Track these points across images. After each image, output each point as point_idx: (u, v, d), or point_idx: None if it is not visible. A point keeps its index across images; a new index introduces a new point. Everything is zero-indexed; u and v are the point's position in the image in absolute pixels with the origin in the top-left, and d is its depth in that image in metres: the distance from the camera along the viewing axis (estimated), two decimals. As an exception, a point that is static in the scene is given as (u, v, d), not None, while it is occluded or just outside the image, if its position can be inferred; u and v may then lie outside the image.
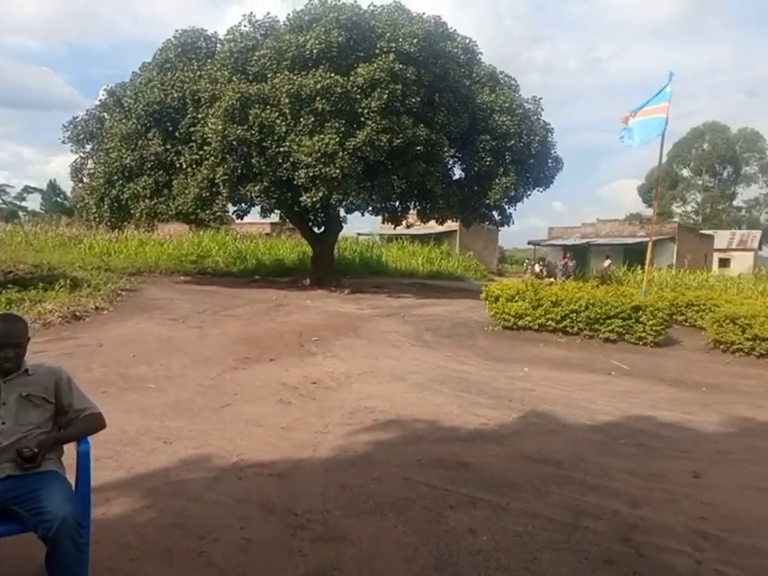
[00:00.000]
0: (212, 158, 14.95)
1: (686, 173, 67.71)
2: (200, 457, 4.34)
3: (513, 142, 16.82)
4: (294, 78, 14.34)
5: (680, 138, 66.13)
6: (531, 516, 3.44)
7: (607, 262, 29.03)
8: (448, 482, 3.92)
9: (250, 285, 18.73)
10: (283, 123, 14.44)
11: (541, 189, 19.15)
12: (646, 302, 9.89)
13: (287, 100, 14.25)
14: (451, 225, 26.86)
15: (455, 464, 4.24)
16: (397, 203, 19.31)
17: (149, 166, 16.41)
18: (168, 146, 16.13)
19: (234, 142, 14.50)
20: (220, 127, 14.31)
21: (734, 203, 67.11)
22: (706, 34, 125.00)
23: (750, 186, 66.49)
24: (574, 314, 10.16)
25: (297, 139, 14.38)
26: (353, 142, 14.16)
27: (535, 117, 17.93)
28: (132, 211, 16.97)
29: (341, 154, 14.04)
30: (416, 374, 7.32)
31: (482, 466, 4.21)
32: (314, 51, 14.34)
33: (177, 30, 17.52)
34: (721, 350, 9.42)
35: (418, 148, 15.89)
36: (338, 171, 14.07)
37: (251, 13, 16.77)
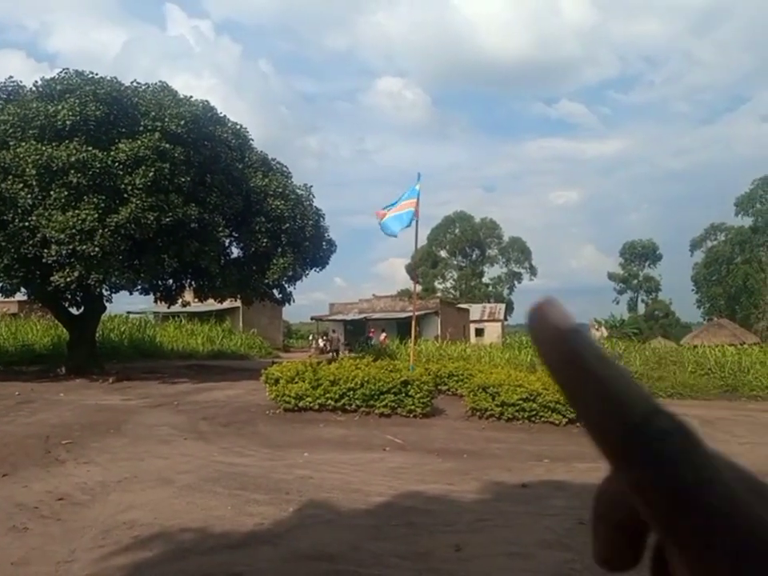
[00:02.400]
0: (-65, 232, 12.64)
1: (443, 254, 77.05)
2: None
3: (288, 225, 17.39)
4: (43, 148, 13.08)
5: (437, 223, 75.73)
6: (304, 626, 3.28)
7: (383, 336, 31.01)
8: (216, 601, 3.57)
9: (-14, 379, 15.75)
10: (29, 196, 12.96)
11: (318, 269, 19.97)
12: (413, 376, 10.67)
13: (34, 171, 12.88)
14: (233, 302, 26.29)
15: (225, 577, 3.90)
16: (170, 281, 18.36)
17: None
18: None
19: (-34, 215, 12.50)
20: (-54, 197, 12.26)
21: (483, 280, 77.93)
22: (449, 137, 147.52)
23: (493, 266, 78.23)
24: (351, 392, 10.49)
25: (47, 213, 12.97)
26: (115, 219, 13.25)
27: (308, 202, 18.89)
28: None
29: (101, 231, 13.00)
30: (187, 473, 6.72)
31: (254, 575, 3.94)
32: (68, 122, 13.34)
33: None
34: (477, 416, 10.48)
35: (193, 225, 15.48)
36: (97, 249, 12.94)
37: (-11, 75, 15.06)
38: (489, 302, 62.36)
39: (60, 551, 4.37)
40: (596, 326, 53.52)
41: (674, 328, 61.66)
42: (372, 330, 32.38)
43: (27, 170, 12.95)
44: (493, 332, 48.52)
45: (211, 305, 26.91)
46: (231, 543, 4.55)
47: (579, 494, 6.09)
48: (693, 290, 64.09)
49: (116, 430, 9.29)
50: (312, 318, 42.84)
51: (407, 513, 5.30)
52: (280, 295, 20.17)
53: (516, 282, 77.68)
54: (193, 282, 18.56)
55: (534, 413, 9.97)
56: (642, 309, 72.00)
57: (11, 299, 20.71)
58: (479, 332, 49.84)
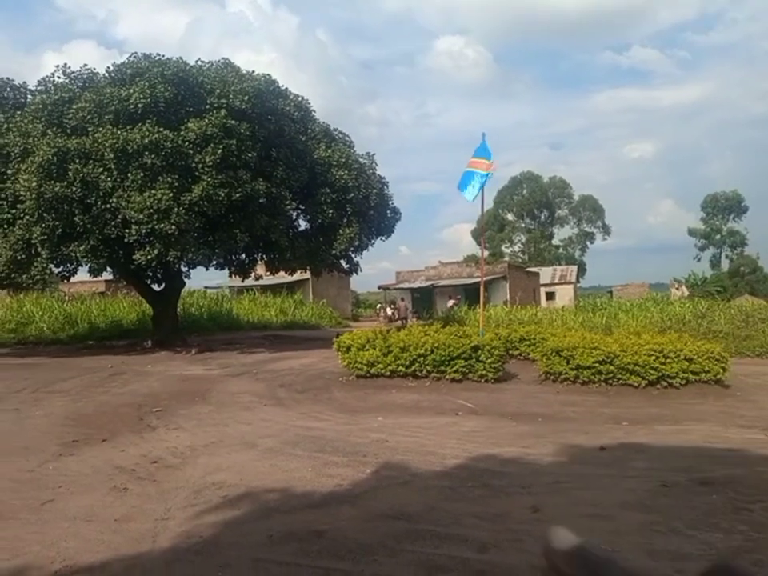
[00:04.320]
0: (27, 217, 13.59)
1: (510, 217, 75.21)
2: (13, 570, 3.70)
3: (352, 194, 17.47)
4: (119, 132, 13.66)
5: (503, 185, 73.73)
6: (386, 580, 3.38)
7: (450, 302, 30.86)
8: (301, 556, 3.74)
9: (82, 352, 17.02)
10: (109, 179, 13.61)
11: (383, 238, 20.02)
12: (484, 341, 10.58)
13: (112, 155, 13.49)
14: (303, 274, 26.92)
15: (308, 534, 4.07)
16: (243, 256, 18.98)
17: (-53, 228, 14.50)
18: (-29, 206, 14.38)
19: (52, 200, 13.30)
20: (34, 184, 13.10)
21: (553, 242, 75.66)
22: (513, 95, 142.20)
23: (563, 227, 75.66)
24: (422, 358, 10.55)
25: (126, 195, 13.62)
26: (188, 197, 13.74)
27: (371, 171, 18.87)
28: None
29: (176, 209, 13.53)
30: (268, 437, 7.02)
31: (336, 533, 4.09)
32: (139, 105, 13.84)
33: (-22, 80, 15.99)
34: (551, 380, 10.31)
35: (261, 201, 15.84)
36: (173, 227, 13.50)
37: (65, 64, 15.82)
38: (559, 265, 60.62)
39: (157, 509, 4.69)
40: (676, 286, 51.02)
41: (762, 284, 57.82)
42: (450, 297, 32.29)
43: (106, 154, 13.61)
44: (564, 295, 47.29)
45: (282, 277, 27.69)
46: (313, 503, 4.74)
47: (661, 456, 5.91)
48: (784, 242, 59.48)
49: (201, 398, 9.81)
50: (379, 287, 43.26)
51: (482, 475, 5.32)
52: (347, 265, 20.44)
53: (588, 243, 75.02)
54: (264, 256, 19.11)
55: (611, 375, 9.68)
56: (726, 265, 67.80)
57: (99, 279, 22.06)
58: (550, 295, 48.70)
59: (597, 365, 9.72)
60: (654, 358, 9.50)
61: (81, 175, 13.55)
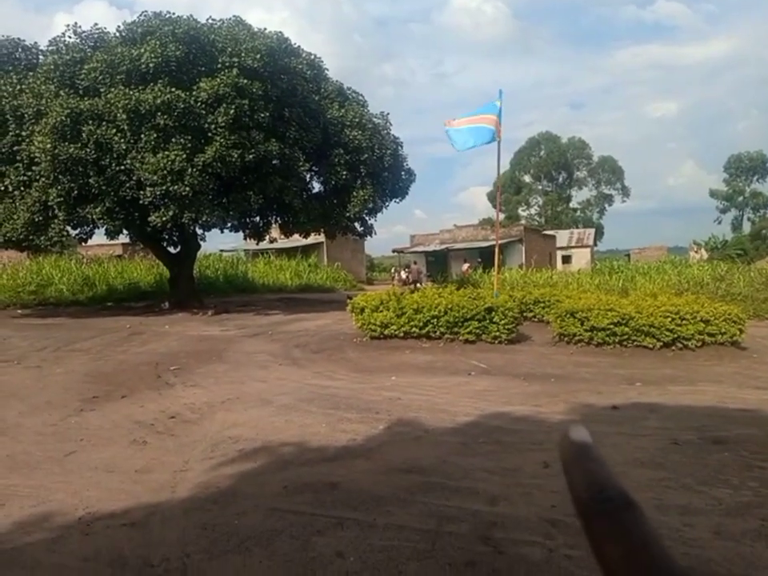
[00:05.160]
0: (42, 179, 13.64)
1: (527, 179, 73.96)
2: (39, 516, 3.85)
3: (366, 155, 17.24)
4: (131, 92, 13.53)
5: (520, 147, 72.31)
6: (397, 529, 3.47)
7: (465, 266, 30.72)
8: (315, 505, 3.84)
9: (101, 313, 17.30)
10: (122, 140, 13.55)
11: (397, 200, 19.84)
12: (498, 302, 10.56)
13: (125, 116, 13.40)
14: (317, 237, 26.88)
15: (323, 486, 4.17)
16: (257, 218, 18.96)
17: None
18: (-12, 168, 14.44)
19: (67, 162, 13.30)
20: (49, 146, 13.09)
21: (570, 205, 74.47)
22: (532, 52, 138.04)
23: (581, 189, 74.28)
24: (435, 320, 10.58)
25: (139, 157, 13.58)
26: (202, 158, 13.66)
27: (385, 131, 18.56)
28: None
29: (190, 170, 13.48)
30: (284, 394, 7.15)
31: (350, 484, 4.19)
32: (151, 65, 13.65)
33: (-12, 39, 15.83)
34: (565, 341, 10.30)
35: (274, 162, 15.72)
36: (187, 189, 13.48)
37: (76, 23, 15.57)
38: (577, 228, 59.85)
39: (176, 462, 4.82)
40: (695, 249, 50.24)
41: (784, 248, 56.59)
42: (466, 260, 32.17)
43: (118, 114, 13.51)
44: (581, 258, 46.82)
45: (296, 240, 27.69)
46: (327, 456, 4.84)
47: (674, 415, 5.92)
48: (809, 205, 58.07)
49: (218, 357, 9.97)
50: (394, 251, 43.11)
51: (494, 431, 5.38)
52: (361, 228, 20.34)
53: (606, 205, 73.67)
54: (278, 218, 19.07)
55: (626, 337, 9.65)
56: (747, 228, 66.39)
57: (116, 242, 22.24)
58: (566, 259, 48.24)
59: (612, 326, 9.68)
60: (669, 319, 9.43)
61: (94, 137, 13.50)
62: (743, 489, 3.97)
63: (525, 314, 12.87)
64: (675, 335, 9.42)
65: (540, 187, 74.23)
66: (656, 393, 6.97)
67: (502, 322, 10.34)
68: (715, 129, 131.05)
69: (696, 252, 48.64)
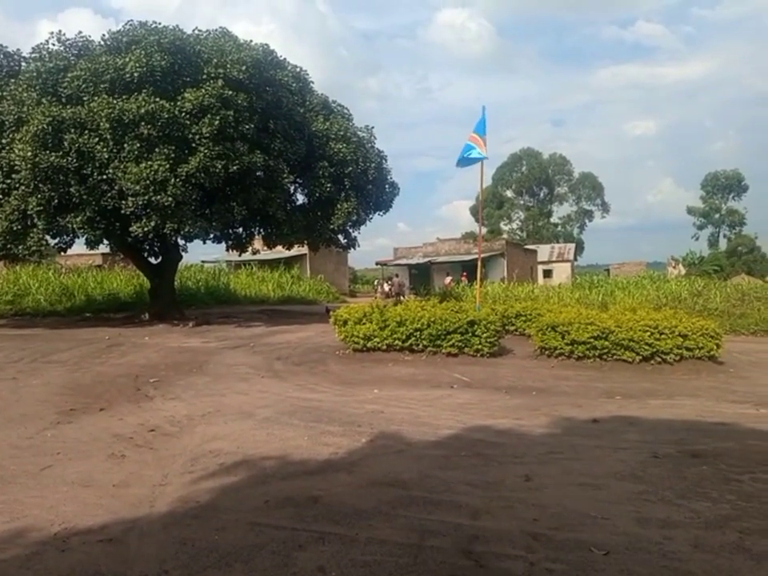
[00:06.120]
0: (22, 188, 13.48)
1: (509, 194, 74.87)
2: (13, 532, 3.76)
3: (350, 168, 17.31)
4: (114, 101, 13.46)
5: (502, 162, 73.23)
6: (379, 543, 3.45)
7: (448, 279, 30.91)
8: (297, 520, 3.81)
9: (79, 324, 17.05)
10: (105, 149, 13.45)
11: (381, 213, 19.93)
12: (480, 316, 10.62)
13: (108, 125, 13.31)
14: (300, 249, 26.84)
15: (304, 500, 4.14)
16: (240, 230, 18.89)
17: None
18: (-34, 175, 14.22)
19: (48, 170, 13.16)
20: (29, 154, 12.95)
21: (551, 220, 75.45)
22: (516, 70, 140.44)
23: (562, 204, 75.39)
24: (418, 333, 10.60)
25: (122, 166, 13.48)
26: (185, 169, 13.60)
27: (369, 144, 18.67)
28: None
29: (173, 180, 13.41)
30: (265, 407, 7.09)
31: (332, 498, 4.16)
32: (135, 74, 13.60)
33: (-31, 46, 15.65)
34: (546, 355, 10.38)
35: (258, 174, 15.72)
36: (170, 199, 13.40)
37: (60, 31, 15.47)
38: (557, 242, 60.55)
39: (154, 476, 4.75)
40: (673, 264, 51.09)
41: (759, 264, 57.99)
42: (449, 274, 32.34)
43: (101, 123, 13.41)
44: (562, 273, 47.37)
45: (279, 252, 27.62)
46: (309, 470, 4.81)
47: (653, 428, 5.99)
48: (783, 222, 59.46)
49: (198, 369, 9.87)
50: (377, 263, 43.23)
51: (476, 445, 5.39)
52: (345, 240, 20.36)
53: (587, 221, 74.87)
54: (261, 230, 19.02)
55: (606, 351, 9.76)
56: (723, 244, 67.84)
57: (96, 251, 21.95)
58: (547, 273, 48.77)
59: (592, 340, 9.79)
60: (648, 333, 9.56)
61: (76, 145, 13.38)
62: (721, 502, 4.03)
63: (507, 328, 12.96)
64: (654, 349, 9.55)
65: (522, 202, 75.16)
66: (635, 406, 7.05)
67: (485, 335, 10.40)
68: (693, 148, 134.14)
69: (674, 267, 49.49)
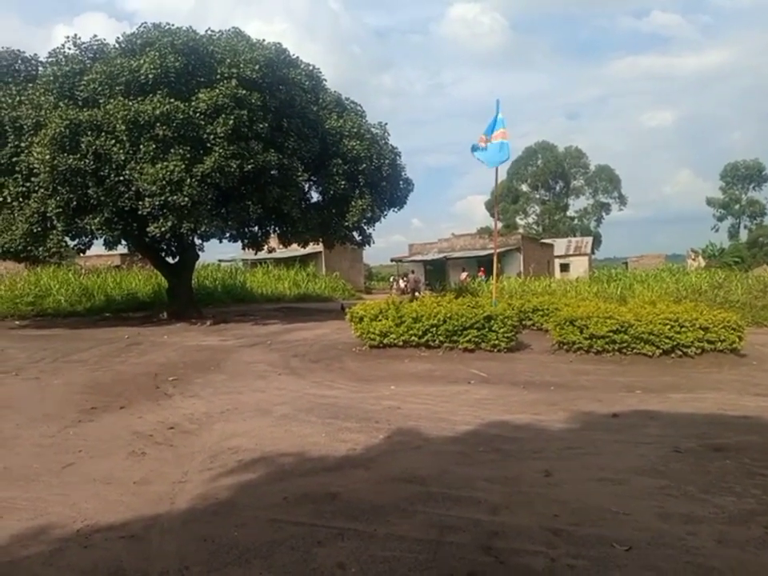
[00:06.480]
0: (42, 190, 13.66)
1: (524, 188, 74.25)
2: (37, 529, 3.82)
3: (364, 165, 17.29)
4: (130, 103, 13.58)
5: (517, 156, 72.59)
6: (398, 539, 3.44)
7: (464, 275, 30.77)
8: (316, 516, 3.81)
9: (99, 324, 17.26)
10: (121, 151, 13.57)
11: (396, 209, 19.87)
12: (497, 311, 10.55)
13: (124, 126, 13.43)
14: (315, 246, 26.91)
15: (323, 496, 4.14)
16: (256, 228, 18.98)
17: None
18: (-13, 179, 14.45)
19: (66, 173, 13.33)
20: (48, 156, 13.12)
21: (568, 213, 74.72)
22: (529, 64, 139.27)
23: (578, 197, 74.61)
24: (434, 329, 10.56)
25: (138, 167, 13.60)
26: (200, 169, 13.69)
27: (383, 141, 18.62)
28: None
29: (188, 181, 13.51)
30: (282, 404, 7.12)
31: (350, 495, 4.16)
32: (150, 76, 13.71)
33: (-11, 51, 15.89)
34: (564, 349, 10.29)
35: (273, 172, 15.77)
36: (186, 199, 13.50)
37: (76, 35, 15.64)
38: (574, 236, 59.98)
39: (174, 473, 4.79)
40: (692, 257, 50.35)
41: (782, 255, 56.80)
42: (464, 269, 32.26)
43: (117, 125, 13.54)
44: (579, 266, 46.91)
45: (295, 250, 27.73)
46: (327, 466, 4.81)
47: (674, 422, 5.91)
48: (806, 211, 58.30)
49: (216, 367, 9.94)
50: (392, 260, 43.14)
51: (494, 440, 5.36)
52: (360, 237, 20.35)
53: (604, 214, 73.98)
54: (276, 228, 19.09)
55: (626, 344, 9.64)
56: (744, 235, 66.63)
57: (114, 252, 22.26)
58: (564, 267, 48.33)
59: (611, 334, 9.68)
60: (668, 327, 9.43)
61: (93, 147, 13.54)
62: (746, 496, 3.95)
63: (524, 323, 12.86)
64: (674, 342, 9.41)
65: (537, 196, 74.52)
66: (656, 400, 6.96)
67: (501, 330, 10.33)
68: (710, 138, 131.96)
69: (693, 260, 48.74)
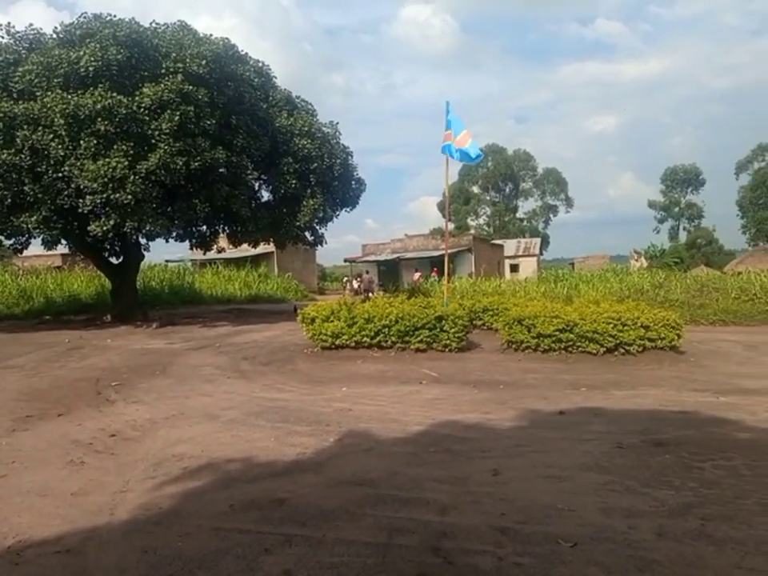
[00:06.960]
0: (-27, 187, 12.91)
1: (476, 189, 75.51)
2: (-37, 547, 3.59)
3: (316, 164, 17.15)
4: (69, 97, 13.01)
5: (468, 158, 73.50)
6: (347, 544, 3.39)
7: (417, 275, 30.97)
8: (263, 523, 3.73)
9: (38, 327, 16.49)
10: (60, 146, 13.01)
11: (348, 209, 19.81)
12: (448, 311, 10.64)
13: (62, 121, 12.87)
14: (267, 247, 26.51)
15: (270, 502, 4.05)
16: (204, 228, 18.56)
17: None
18: None
19: (0, 168, 12.66)
20: (-21, 151, 12.42)
21: (517, 215, 76.39)
22: (479, 66, 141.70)
23: (527, 199, 76.45)
24: (386, 329, 10.56)
25: (78, 163, 13.05)
26: (145, 166, 13.25)
27: (334, 140, 18.52)
28: None
29: (132, 178, 13.06)
30: (231, 409, 6.95)
31: (298, 500, 4.09)
32: (90, 69, 13.17)
33: None
34: (513, 348, 10.46)
35: (221, 170, 15.43)
36: (129, 197, 13.05)
37: (9, 23, 14.88)
38: (524, 237, 61.34)
39: (115, 482, 4.60)
40: (635, 257, 52.28)
41: (717, 256, 59.82)
42: (417, 270, 32.45)
43: (56, 119, 12.94)
44: (528, 267, 48.00)
45: (246, 250, 27.26)
46: (275, 471, 4.72)
47: (617, 419, 6.09)
48: (738, 215, 61.60)
49: (162, 371, 9.63)
50: (345, 260, 43.01)
51: (444, 440, 5.38)
52: (312, 237, 20.18)
53: (551, 215, 76.07)
54: (226, 228, 18.72)
55: (571, 343, 9.89)
56: (683, 237, 69.81)
57: (55, 252, 21.30)
58: (514, 267, 49.36)
59: (557, 333, 9.91)
60: (612, 325, 9.72)
61: (30, 142, 12.91)
62: (684, 489, 4.10)
63: (474, 322, 13.03)
64: (617, 341, 9.72)
65: (488, 198, 75.92)
66: (600, 397, 7.15)
67: (452, 330, 10.43)
68: (652, 143, 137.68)
69: (636, 260, 50.63)
